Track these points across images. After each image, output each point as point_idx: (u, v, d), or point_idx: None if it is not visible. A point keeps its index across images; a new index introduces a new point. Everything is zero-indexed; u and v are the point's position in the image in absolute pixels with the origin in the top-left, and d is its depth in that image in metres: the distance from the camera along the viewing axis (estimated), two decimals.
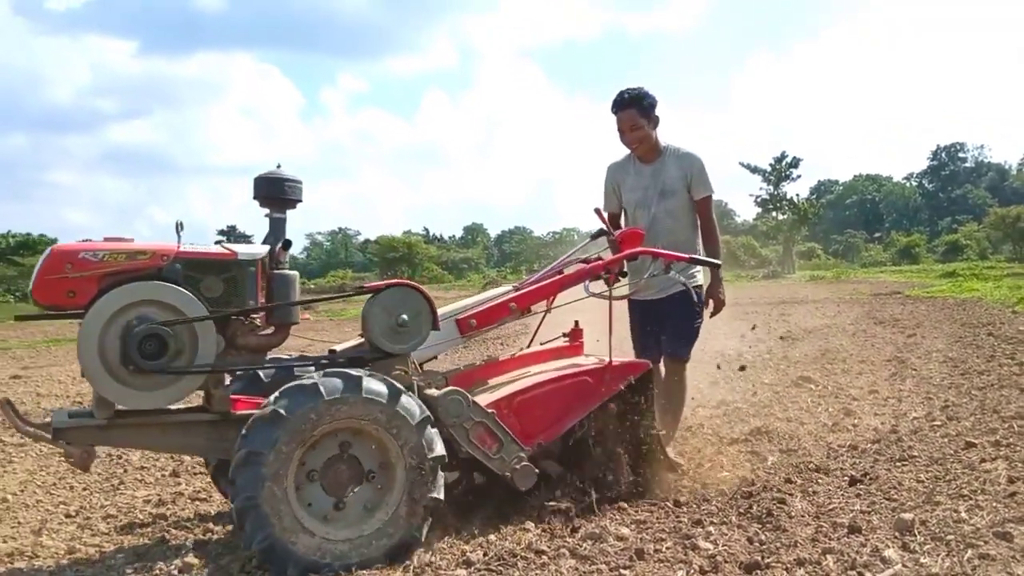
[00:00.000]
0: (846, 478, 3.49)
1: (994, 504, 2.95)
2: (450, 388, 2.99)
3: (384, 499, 2.69)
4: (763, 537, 2.79)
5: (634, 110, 3.88)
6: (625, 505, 3.21)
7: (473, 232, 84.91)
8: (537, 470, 3.05)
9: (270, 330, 2.96)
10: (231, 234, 78.68)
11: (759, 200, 55.77)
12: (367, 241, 69.08)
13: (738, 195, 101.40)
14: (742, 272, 44.84)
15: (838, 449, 4.08)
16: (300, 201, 3.05)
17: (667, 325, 3.97)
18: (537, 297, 3.36)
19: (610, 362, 3.23)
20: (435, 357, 3.35)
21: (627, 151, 4.06)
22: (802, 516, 3.00)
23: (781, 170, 54.25)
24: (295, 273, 2.99)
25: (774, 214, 54.95)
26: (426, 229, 75.02)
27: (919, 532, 2.72)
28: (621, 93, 3.92)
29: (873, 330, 10.40)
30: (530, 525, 2.97)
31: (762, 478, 3.56)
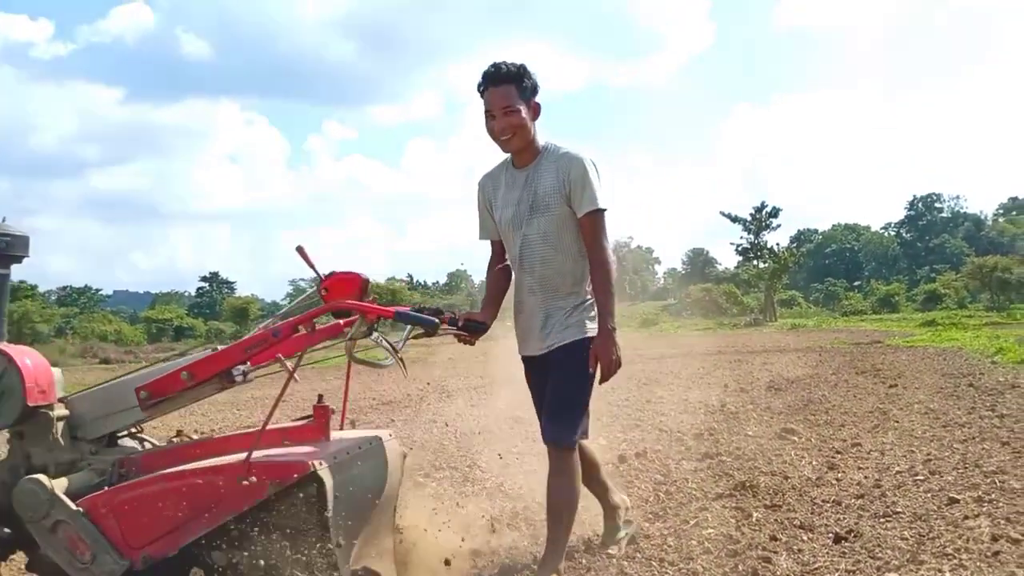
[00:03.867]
0: (831, 535, 3.48)
1: (978, 563, 2.95)
2: (30, 476, 2.48)
3: None
4: None
5: (512, 87, 2.92)
6: (610, 562, 3.18)
7: (457, 278, 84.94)
8: None
9: None
10: (214, 280, 78.55)
11: (740, 249, 56.38)
12: None
13: (719, 244, 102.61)
14: (724, 320, 45.10)
15: (822, 504, 4.07)
16: (24, 256, 2.83)
17: (551, 391, 3.01)
18: (215, 365, 2.64)
19: (247, 460, 2.43)
20: (136, 429, 2.89)
21: (501, 159, 3.16)
22: None
23: (761, 219, 54.94)
24: None
25: (755, 262, 55.46)
26: (410, 275, 75.07)
27: None
28: (495, 65, 2.95)
29: (855, 380, 10.45)
30: None
31: (747, 535, 3.54)
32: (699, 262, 76.95)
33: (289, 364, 2.57)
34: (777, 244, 55.39)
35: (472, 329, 2.93)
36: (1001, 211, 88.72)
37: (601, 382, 2.94)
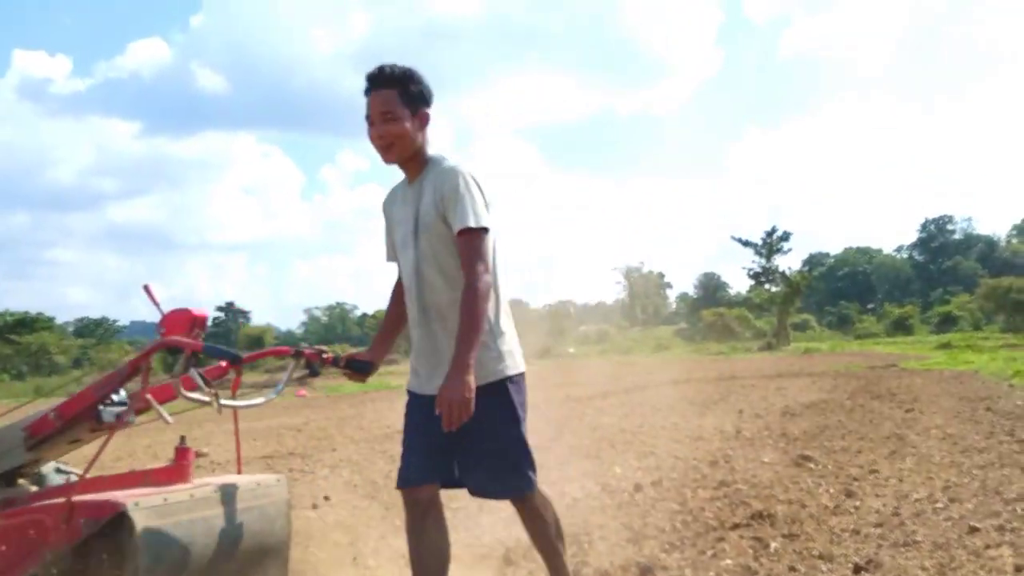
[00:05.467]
0: (850, 565, 3.45)
1: None
2: None
3: None
4: None
5: (394, 92, 2.58)
6: None
7: None
8: None
9: None
10: (229, 309, 78.88)
11: (752, 273, 56.40)
12: (364, 315, 69.04)
13: (731, 268, 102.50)
14: (738, 344, 44.89)
15: (841, 534, 4.03)
16: None
17: (474, 446, 2.58)
18: (75, 405, 2.62)
19: (68, 501, 2.41)
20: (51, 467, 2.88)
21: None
22: None
23: (772, 244, 55.00)
24: None
25: (767, 286, 55.36)
26: None
27: None
28: (379, 68, 2.62)
29: (871, 405, 10.37)
30: None
31: (766, 566, 3.51)
32: (711, 286, 76.75)
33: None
34: (789, 268, 55.39)
35: (355, 368, 2.82)
36: (1015, 232, 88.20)
37: (445, 427, 2.37)
